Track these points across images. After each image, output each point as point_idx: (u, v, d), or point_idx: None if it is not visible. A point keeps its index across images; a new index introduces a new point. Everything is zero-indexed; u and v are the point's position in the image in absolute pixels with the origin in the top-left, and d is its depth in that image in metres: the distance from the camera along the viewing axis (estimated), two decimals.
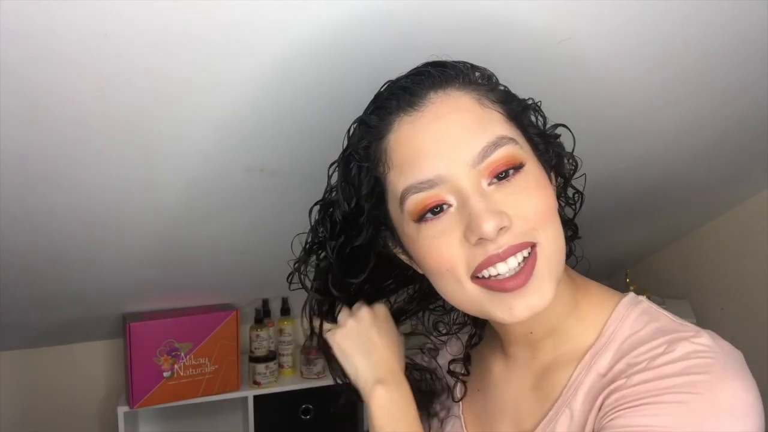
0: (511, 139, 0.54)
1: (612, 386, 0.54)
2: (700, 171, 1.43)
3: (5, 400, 1.62)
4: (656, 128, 1.16)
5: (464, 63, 0.58)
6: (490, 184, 0.53)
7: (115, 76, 0.74)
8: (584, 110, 1.01)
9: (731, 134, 1.26)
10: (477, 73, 0.58)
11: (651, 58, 0.92)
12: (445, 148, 0.53)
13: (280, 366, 1.70)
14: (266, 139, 0.95)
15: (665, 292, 1.94)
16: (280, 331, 1.70)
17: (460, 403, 0.70)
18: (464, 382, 0.70)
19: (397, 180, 0.55)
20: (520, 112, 0.58)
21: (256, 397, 1.63)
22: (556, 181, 0.61)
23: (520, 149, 0.54)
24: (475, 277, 0.53)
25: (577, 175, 0.64)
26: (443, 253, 0.53)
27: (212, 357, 1.55)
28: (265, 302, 1.70)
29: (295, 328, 1.74)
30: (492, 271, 0.52)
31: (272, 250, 1.39)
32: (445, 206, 0.53)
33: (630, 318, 0.58)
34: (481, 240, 0.51)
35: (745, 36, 0.91)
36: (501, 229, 0.51)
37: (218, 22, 0.69)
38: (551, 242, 0.53)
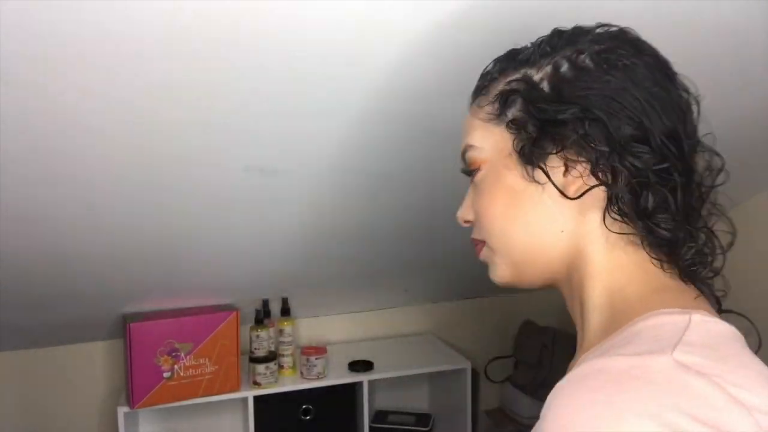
0: (473, 146, 0.62)
1: None
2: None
3: (5, 400, 1.62)
4: None
5: (495, 62, 0.63)
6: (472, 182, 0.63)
7: (115, 76, 0.74)
8: None
9: (731, 134, 1.26)
10: (480, 81, 0.64)
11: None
12: None
13: (280, 366, 1.70)
14: (266, 139, 0.95)
15: None
16: (280, 332, 1.70)
17: None
18: None
19: None
20: (511, 104, 0.59)
21: (256, 398, 1.62)
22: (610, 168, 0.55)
23: (478, 154, 0.61)
24: None
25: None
26: None
27: (212, 357, 1.55)
28: (265, 302, 1.70)
29: (295, 329, 1.74)
30: None
31: (272, 251, 1.40)
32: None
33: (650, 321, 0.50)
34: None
35: (744, 35, 0.91)
36: (466, 222, 0.63)
37: (218, 22, 0.69)
38: (499, 239, 0.60)
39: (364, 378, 1.68)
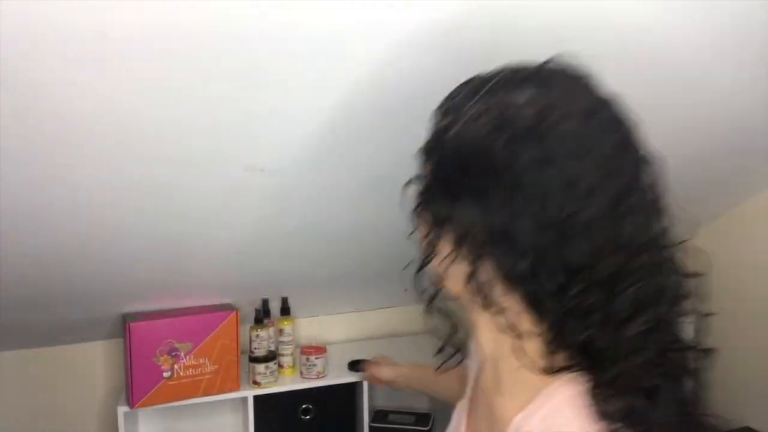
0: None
1: None
2: (699, 171, 1.43)
3: (5, 400, 1.62)
4: (656, 129, 1.16)
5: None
6: None
7: (115, 77, 0.74)
8: None
9: (730, 134, 1.26)
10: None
11: (649, 57, 0.92)
12: None
13: (280, 366, 1.70)
14: (266, 139, 0.95)
15: None
16: (280, 331, 1.70)
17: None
18: None
19: None
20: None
21: (255, 397, 1.62)
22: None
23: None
24: None
25: None
26: None
27: (212, 357, 1.55)
28: (265, 302, 1.70)
29: (295, 328, 1.74)
30: None
31: (272, 250, 1.39)
32: None
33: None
34: None
35: (744, 35, 0.91)
36: None
37: (218, 21, 0.69)
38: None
39: (363, 377, 1.68)
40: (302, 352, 1.70)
